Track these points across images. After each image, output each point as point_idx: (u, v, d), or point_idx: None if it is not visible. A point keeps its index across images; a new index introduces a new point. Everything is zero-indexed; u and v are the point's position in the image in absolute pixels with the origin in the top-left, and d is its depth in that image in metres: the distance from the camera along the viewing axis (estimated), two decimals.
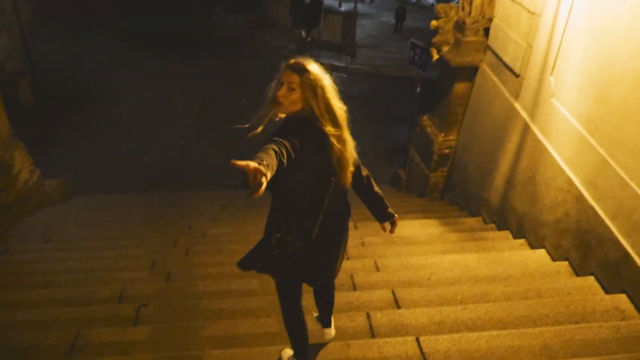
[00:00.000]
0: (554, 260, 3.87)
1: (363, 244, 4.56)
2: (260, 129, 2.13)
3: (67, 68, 13.15)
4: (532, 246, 4.24)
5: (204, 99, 11.82)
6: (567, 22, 3.95)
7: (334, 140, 2.08)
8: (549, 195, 4.03)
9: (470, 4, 5.97)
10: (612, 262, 3.21)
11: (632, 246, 3.03)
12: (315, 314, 2.80)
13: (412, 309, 3.10)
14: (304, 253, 2.21)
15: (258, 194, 1.53)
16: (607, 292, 3.22)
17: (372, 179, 2.48)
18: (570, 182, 3.70)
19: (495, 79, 5.52)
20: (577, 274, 3.58)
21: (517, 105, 4.83)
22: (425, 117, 7.16)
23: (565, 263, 3.70)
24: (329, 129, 2.07)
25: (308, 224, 2.19)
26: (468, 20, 6.02)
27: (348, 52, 15.71)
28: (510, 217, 4.75)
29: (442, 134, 6.57)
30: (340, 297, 3.08)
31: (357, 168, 2.35)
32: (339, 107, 2.13)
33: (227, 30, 18.21)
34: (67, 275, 4.07)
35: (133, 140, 9.90)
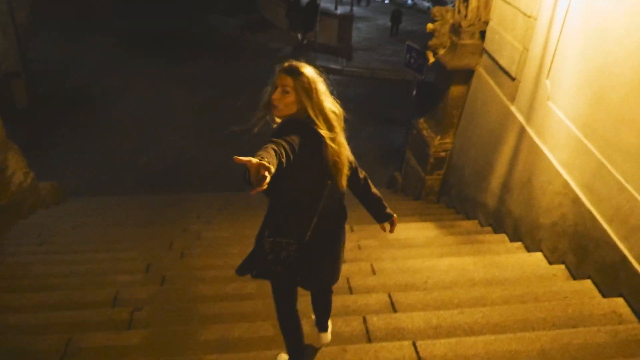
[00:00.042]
0: (550, 263, 3.86)
1: (359, 247, 4.54)
2: (255, 130, 2.14)
3: (64, 69, 13.11)
4: (529, 249, 4.23)
5: (201, 101, 11.81)
6: (563, 25, 3.96)
7: (330, 143, 2.09)
8: (545, 199, 4.03)
9: (466, 7, 5.98)
10: (609, 266, 3.21)
11: (629, 250, 3.03)
12: (313, 317, 2.78)
13: (409, 313, 3.08)
14: (297, 257, 2.20)
15: (261, 188, 1.53)
16: (604, 296, 3.21)
17: (369, 181, 2.47)
18: (566, 185, 3.70)
19: (491, 82, 5.52)
20: (574, 278, 3.57)
21: (513, 108, 4.83)
22: (421, 120, 7.16)
23: (562, 266, 3.69)
24: (325, 132, 2.07)
25: (302, 226, 2.18)
26: (464, 23, 6.02)
27: (344, 55, 15.73)
28: (507, 220, 4.75)
29: (438, 137, 6.57)
30: (337, 301, 3.06)
31: (355, 170, 2.35)
32: (333, 110, 2.13)
33: (224, 32, 18.21)
34: (61, 279, 4.03)
35: (130, 142, 9.87)
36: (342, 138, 2.16)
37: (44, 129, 10.14)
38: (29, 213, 6.34)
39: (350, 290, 3.52)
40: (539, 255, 3.99)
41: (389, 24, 20.00)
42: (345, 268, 3.86)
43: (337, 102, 2.18)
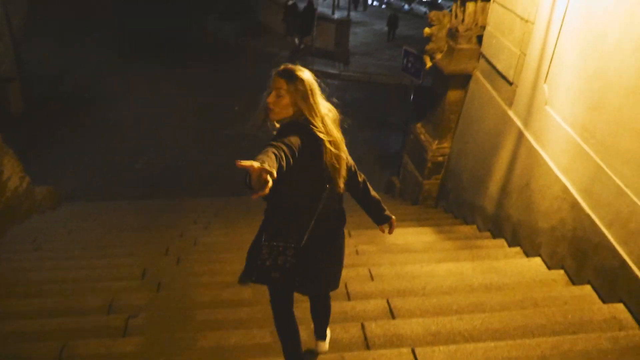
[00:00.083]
0: (549, 268, 3.84)
1: (357, 253, 4.51)
2: (253, 133, 2.16)
3: (60, 74, 13.09)
4: (528, 254, 4.21)
5: (198, 105, 11.79)
6: (560, 29, 3.95)
7: (329, 146, 2.10)
8: (544, 203, 4.01)
9: (463, 11, 5.99)
10: (609, 271, 3.18)
11: (629, 254, 3.01)
12: (312, 326, 2.75)
13: (408, 319, 3.05)
14: (295, 262, 2.18)
15: (263, 192, 1.52)
16: (604, 301, 3.19)
17: (368, 184, 2.49)
18: (565, 189, 3.68)
19: (489, 87, 5.52)
20: (573, 283, 3.55)
21: (511, 113, 4.82)
22: (418, 125, 7.15)
23: (561, 271, 3.67)
24: (324, 135, 2.08)
25: (300, 229, 2.17)
26: (461, 28, 6.03)
27: (341, 60, 15.75)
28: (505, 225, 4.73)
29: (436, 142, 6.56)
30: (335, 307, 3.02)
31: (354, 174, 2.37)
32: (328, 113, 2.15)
33: (221, 37, 18.23)
34: (56, 285, 3.98)
35: (126, 146, 9.84)
36: (341, 141, 2.17)
37: (40, 134, 10.09)
38: (24, 218, 6.29)
39: (348, 296, 3.49)
40: (537, 260, 3.97)
41: (386, 28, 20.09)
42: (343, 273, 3.83)
43: (332, 106, 2.20)
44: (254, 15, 20.22)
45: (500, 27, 5.32)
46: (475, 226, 5.37)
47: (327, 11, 17.90)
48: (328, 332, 2.72)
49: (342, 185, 2.21)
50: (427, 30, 6.64)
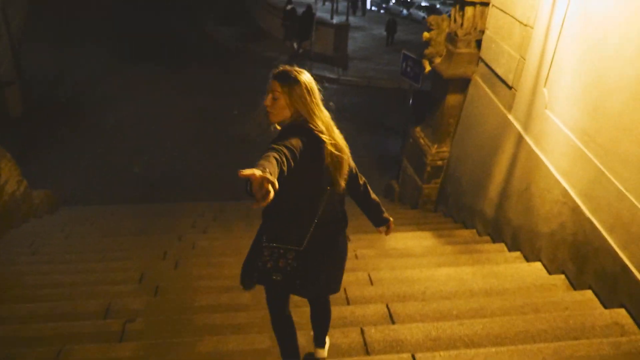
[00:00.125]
0: (550, 273, 3.82)
1: (356, 257, 4.48)
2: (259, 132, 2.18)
3: (58, 77, 13.08)
4: (528, 259, 4.18)
5: (197, 109, 11.78)
6: (560, 33, 3.95)
7: (331, 148, 2.09)
8: (544, 207, 3.99)
9: (462, 16, 5.99)
10: (610, 275, 3.16)
11: (630, 259, 2.99)
12: (312, 333, 2.72)
13: (408, 324, 3.02)
14: (295, 266, 2.17)
15: (265, 203, 1.51)
16: (605, 307, 3.16)
17: (368, 186, 2.49)
18: (566, 193, 3.67)
19: (488, 91, 5.51)
20: (574, 288, 3.53)
21: (511, 117, 4.81)
22: (417, 129, 7.14)
23: (562, 276, 3.64)
24: (325, 136, 2.08)
25: (301, 232, 2.16)
26: (460, 32, 6.02)
27: (340, 64, 15.76)
28: (505, 229, 4.71)
29: (435, 146, 6.55)
30: (334, 312, 2.99)
31: (355, 176, 2.38)
32: (325, 114, 2.15)
33: (219, 41, 18.26)
34: (52, 289, 3.95)
35: (125, 149, 9.82)
36: (343, 143, 2.17)
37: (40, 135, 10.08)
38: (21, 222, 6.25)
39: (348, 301, 3.46)
40: (538, 265, 3.95)
41: (384, 33, 20.13)
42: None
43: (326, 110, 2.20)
44: (253, 20, 20.27)
45: (499, 31, 5.32)
46: (474, 230, 5.35)
47: (326, 16, 17.94)
48: (327, 340, 2.69)
49: (343, 184, 2.21)
50: (426, 34, 6.64)
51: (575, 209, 3.53)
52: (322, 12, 18.37)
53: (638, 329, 2.85)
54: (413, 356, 2.63)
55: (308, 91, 2.07)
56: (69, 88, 12.70)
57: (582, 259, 3.46)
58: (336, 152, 2.11)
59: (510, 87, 4.91)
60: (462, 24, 6.01)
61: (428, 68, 6.70)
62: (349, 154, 2.21)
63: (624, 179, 3.07)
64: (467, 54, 6.04)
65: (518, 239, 4.42)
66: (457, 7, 6.08)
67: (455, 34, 6.07)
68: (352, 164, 2.31)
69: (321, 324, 2.62)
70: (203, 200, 8.06)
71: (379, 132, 11.33)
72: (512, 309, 3.22)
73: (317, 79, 2.18)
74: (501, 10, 5.25)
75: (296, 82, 2.06)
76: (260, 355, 2.78)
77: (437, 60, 6.46)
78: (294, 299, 2.76)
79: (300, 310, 3.00)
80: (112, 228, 6.43)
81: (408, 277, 3.89)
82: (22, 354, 2.85)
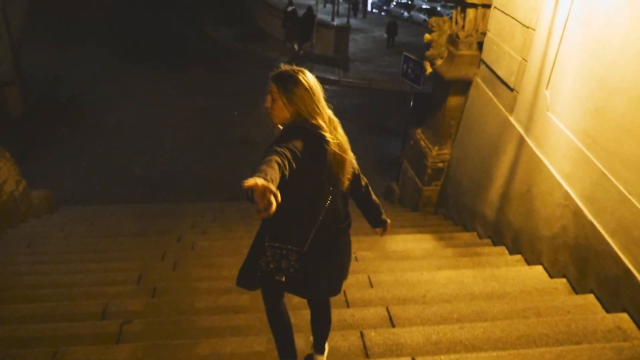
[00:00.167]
0: (551, 277, 3.79)
1: (356, 259, 4.45)
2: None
3: (58, 78, 13.08)
4: (529, 262, 4.16)
5: (196, 110, 11.77)
6: (562, 35, 3.93)
7: (334, 148, 2.07)
8: (545, 210, 3.96)
9: (464, 17, 5.97)
10: (612, 279, 3.13)
11: (633, 262, 2.96)
12: (311, 339, 2.69)
13: (408, 328, 2.99)
14: (298, 267, 2.15)
15: (268, 214, 1.51)
16: (607, 311, 3.13)
17: (370, 187, 2.49)
18: (567, 196, 3.64)
19: (490, 93, 5.49)
20: (576, 292, 3.50)
21: (512, 119, 4.79)
22: (418, 131, 7.12)
23: (564, 280, 3.61)
24: (329, 135, 2.06)
25: (303, 233, 2.14)
26: (461, 34, 6.01)
27: (341, 66, 15.76)
28: (506, 231, 4.68)
29: (436, 148, 6.52)
30: (333, 315, 2.96)
31: (357, 177, 2.37)
32: (328, 112, 2.14)
33: (219, 42, 18.26)
34: (50, 289, 3.92)
35: (125, 150, 9.81)
36: (345, 143, 2.16)
37: (40, 135, 10.07)
38: (20, 222, 6.23)
39: (347, 304, 3.43)
40: (539, 268, 3.92)
41: (385, 35, 20.14)
42: None
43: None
44: (253, 20, 20.27)
45: (501, 33, 5.30)
46: (475, 233, 5.33)
47: (327, 18, 17.92)
48: (326, 347, 2.66)
49: (347, 183, 2.19)
50: (427, 36, 6.62)
51: (577, 212, 3.50)
52: (323, 14, 18.37)
53: None
54: None
55: (308, 90, 2.04)
56: (69, 88, 12.68)
57: (583, 262, 3.43)
58: (339, 152, 2.09)
59: (511, 89, 4.88)
60: (463, 26, 5.99)
61: (429, 70, 6.68)
62: (352, 155, 2.20)
63: (627, 182, 3.04)
64: (469, 56, 6.03)
65: (519, 242, 4.40)
66: (459, 9, 6.06)
67: (457, 36, 6.06)
68: (355, 165, 2.29)
69: (321, 328, 2.59)
70: (203, 201, 8.05)
71: (379, 134, 11.31)
72: (514, 313, 3.19)
73: (318, 80, 2.16)
74: (503, 12, 5.23)
75: (294, 83, 2.04)
76: (258, 358, 2.74)
77: (439, 62, 6.44)
78: (293, 300, 2.74)
79: (299, 313, 2.98)
80: (111, 228, 6.40)
81: (408, 279, 3.86)
82: (18, 354, 2.82)
